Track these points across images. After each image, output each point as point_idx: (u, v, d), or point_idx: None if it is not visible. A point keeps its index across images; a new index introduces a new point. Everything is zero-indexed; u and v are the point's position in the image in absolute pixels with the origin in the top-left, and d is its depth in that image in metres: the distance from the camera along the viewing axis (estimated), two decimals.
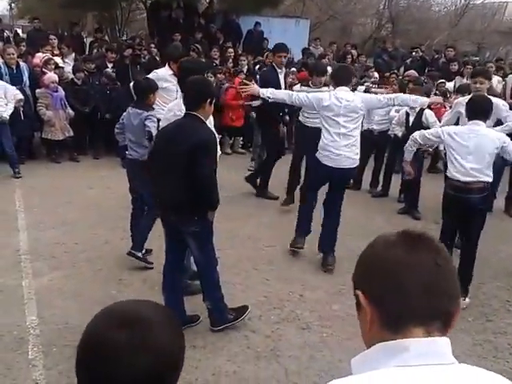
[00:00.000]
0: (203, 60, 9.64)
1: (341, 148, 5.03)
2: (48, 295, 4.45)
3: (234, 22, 14.64)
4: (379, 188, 7.94)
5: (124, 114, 5.18)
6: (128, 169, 5.27)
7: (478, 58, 14.44)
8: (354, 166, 5.19)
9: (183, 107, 4.23)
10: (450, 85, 9.79)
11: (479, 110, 4.73)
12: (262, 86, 5.65)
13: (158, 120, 4.76)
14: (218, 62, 10.91)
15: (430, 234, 1.17)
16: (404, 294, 1.08)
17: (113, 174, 8.08)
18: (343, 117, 5.02)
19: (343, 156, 5.04)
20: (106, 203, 6.74)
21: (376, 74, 10.37)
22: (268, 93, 5.33)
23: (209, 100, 3.79)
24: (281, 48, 7.00)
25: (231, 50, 11.45)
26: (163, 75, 5.57)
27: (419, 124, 6.68)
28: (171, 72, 5.67)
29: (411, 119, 6.96)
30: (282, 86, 6.77)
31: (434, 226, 5.94)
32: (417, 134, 5.08)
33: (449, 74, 10.57)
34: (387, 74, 10.06)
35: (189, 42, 11.85)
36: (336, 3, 20.51)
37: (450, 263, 1.13)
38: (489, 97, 5.10)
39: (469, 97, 5.58)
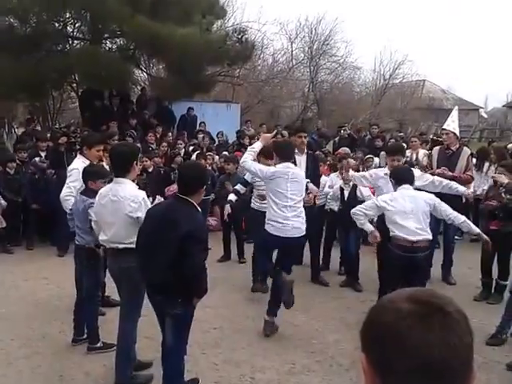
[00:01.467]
0: (138, 145, 9.72)
1: (289, 218, 5.16)
2: None
3: (167, 108, 15.02)
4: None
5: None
6: (75, 255, 5.18)
7: (402, 134, 15.34)
8: (303, 234, 5.31)
9: (120, 192, 4.19)
10: (376, 160, 10.29)
11: (405, 177, 5.21)
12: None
13: None
14: (153, 146, 11.05)
15: (444, 298, 1.11)
16: (411, 374, 1.02)
17: (48, 263, 7.85)
18: (290, 189, 5.17)
19: (291, 226, 5.16)
20: (42, 295, 6.49)
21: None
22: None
23: (204, 186, 3.87)
24: (300, 128, 6.96)
25: (169, 133, 11.67)
26: (81, 167, 5.40)
27: (354, 198, 6.88)
28: (87, 161, 5.61)
29: (346, 193, 7.17)
30: (303, 170, 6.24)
31: (375, 297, 6.04)
32: (356, 211, 5.33)
33: (375, 149, 11.12)
34: (317, 152, 10.48)
35: (124, 129, 11.98)
36: (264, 89, 21.37)
37: (466, 338, 1.05)
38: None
39: (384, 169, 6.11)
